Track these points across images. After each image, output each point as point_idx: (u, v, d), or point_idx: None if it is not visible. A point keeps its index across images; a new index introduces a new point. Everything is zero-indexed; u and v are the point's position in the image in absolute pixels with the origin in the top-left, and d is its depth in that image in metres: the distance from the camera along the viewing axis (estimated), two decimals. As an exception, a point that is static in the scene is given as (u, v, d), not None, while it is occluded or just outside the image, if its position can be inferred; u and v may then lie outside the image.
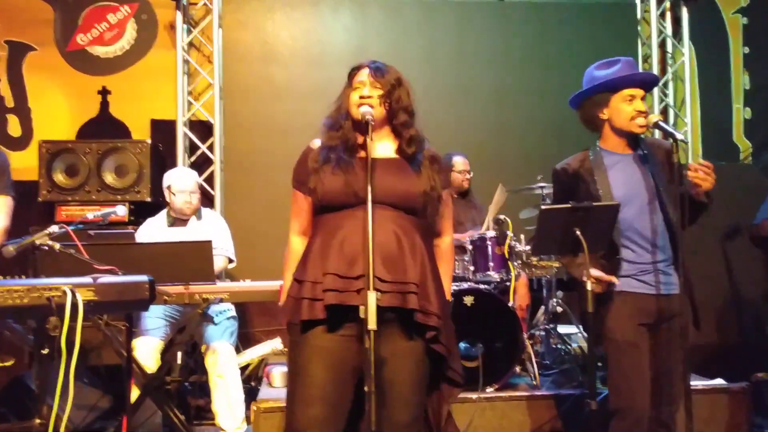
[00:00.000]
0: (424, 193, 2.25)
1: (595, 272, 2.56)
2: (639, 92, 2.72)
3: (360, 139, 2.29)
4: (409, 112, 2.33)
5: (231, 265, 4.28)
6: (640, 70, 5.53)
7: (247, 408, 3.85)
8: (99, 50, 5.53)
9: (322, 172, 2.24)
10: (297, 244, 2.36)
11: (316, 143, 2.36)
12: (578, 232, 2.42)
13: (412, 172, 2.28)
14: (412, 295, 2.12)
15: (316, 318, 2.14)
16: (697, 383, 3.84)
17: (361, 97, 2.25)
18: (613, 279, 2.59)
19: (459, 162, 4.76)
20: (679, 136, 2.53)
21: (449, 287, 2.43)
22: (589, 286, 2.40)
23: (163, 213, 4.24)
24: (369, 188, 2.07)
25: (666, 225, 2.69)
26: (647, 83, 2.82)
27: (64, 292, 2.16)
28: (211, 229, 4.17)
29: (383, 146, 2.31)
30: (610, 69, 2.76)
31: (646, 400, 2.64)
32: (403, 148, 2.30)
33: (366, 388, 1.96)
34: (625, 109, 2.70)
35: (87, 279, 2.27)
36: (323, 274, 2.14)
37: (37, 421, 2.27)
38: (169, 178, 4.21)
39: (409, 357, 2.18)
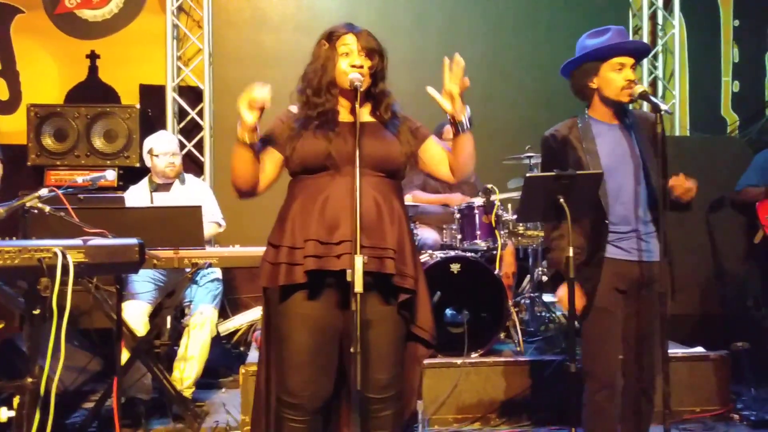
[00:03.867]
0: (404, 155, 2.30)
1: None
2: (629, 61, 2.71)
3: (343, 105, 2.30)
4: (385, 79, 2.34)
5: (220, 230, 4.31)
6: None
7: (236, 372, 3.91)
8: (87, 14, 5.48)
9: (303, 136, 2.24)
10: None
11: (293, 108, 2.35)
12: (562, 200, 2.46)
13: (392, 136, 2.31)
14: (390, 260, 2.16)
15: (294, 283, 2.15)
16: (678, 351, 3.93)
17: (353, 66, 2.24)
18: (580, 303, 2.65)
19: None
20: (664, 107, 2.55)
21: None
22: (570, 253, 2.44)
23: (145, 180, 4.26)
24: (357, 153, 2.08)
25: (649, 195, 2.73)
26: (638, 52, 2.81)
27: (55, 254, 2.18)
28: (196, 193, 4.20)
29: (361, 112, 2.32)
30: (601, 38, 2.76)
31: (616, 365, 2.71)
32: (381, 114, 2.32)
33: (351, 350, 2.00)
34: (614, 77, 2.71)
35: (77, 241, 2.28)
36: (304, 240, 2.15)
37: (29, 380, 2.30)
38: (150, 141, 4.23)
39: (387, 319, 2.23)
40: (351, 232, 2.06)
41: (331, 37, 2.30)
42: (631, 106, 2.88)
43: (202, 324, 3.89)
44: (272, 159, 2.30)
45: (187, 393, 3.84)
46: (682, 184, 2.63)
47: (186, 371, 3.85)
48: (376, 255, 2.14)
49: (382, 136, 2.29)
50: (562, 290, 2.67)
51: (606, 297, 2.68)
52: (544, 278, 4.50)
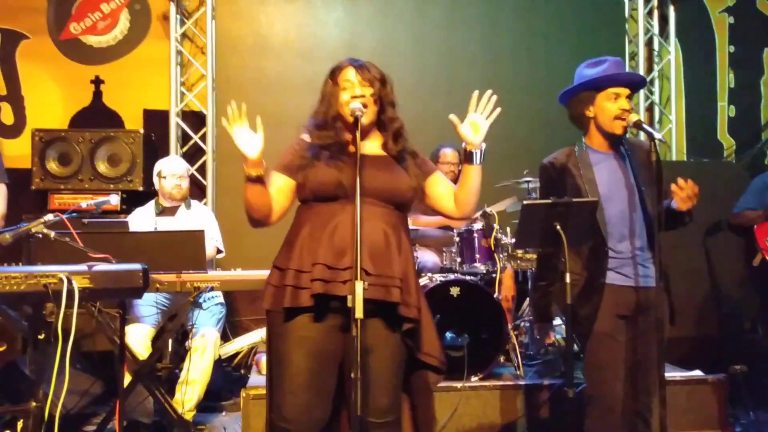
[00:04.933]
0: (412, 189, 2.35)
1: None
2: (624, 91, 2.77)
3: (349, 137, 2.36)
4: (394, 105, 2.40)
5: (219, 256, 4.35)
6: (628, 70, 5.66)
7: (237, 395, 3.92)
8: (92, 39, 5.56)
9: (316, 165, 2.30)
10: None
11: (306, 137, 2.42)
12: (558, 227, 2.50)
13: (400, 169, 2.37)
14: (396, 289, 2.20)
15: (298, 306, 2.19)
16: (675, 374, 3.94)
17: (354, 97, 2.30)
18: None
19: (448, 153, 4.80)
20: (658, 136, 2.61)
21: None
22: (567, 279, 2.48)
23: (152, 203, 4.31)
24: (357, 183, 2.13)
25: (645, 222, 2.78)
26: (633, 83, 2.86)
27: (61, 279, 2.22)
28: (200, 218, 4.24)
29: (371, 144, 2.39)
30: (598, 68, 2.83)
31: (619, 390, 2.72)
32: (390, 145, 2.38)
33: (352, 375, 2.03)
34: (608, 107, 2.76)
35: (82, 267, 2.33)
36: (312, 263, 2.19)
37: (33, 404, 2.33)
38: (159, 164, 4.33)
39: (388, 345, 2.26)
40: (362, 259, 2.11)
41: (334, 74, 2.38)
42: (628, 134, 2.93)
43: (204, 347, 3.91)
44: (285, 186, 2.36)
45: (189, 416, 3.85)
46: (685, 189, 2.61)
47: (188, 394, 3.87)
48: (382, 283, 2.18)
49: (391, 169, 2.35)
50: (544, 327, 2.73)
51: (608, 323, 2.71)
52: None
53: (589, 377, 2.78)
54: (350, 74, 2.35)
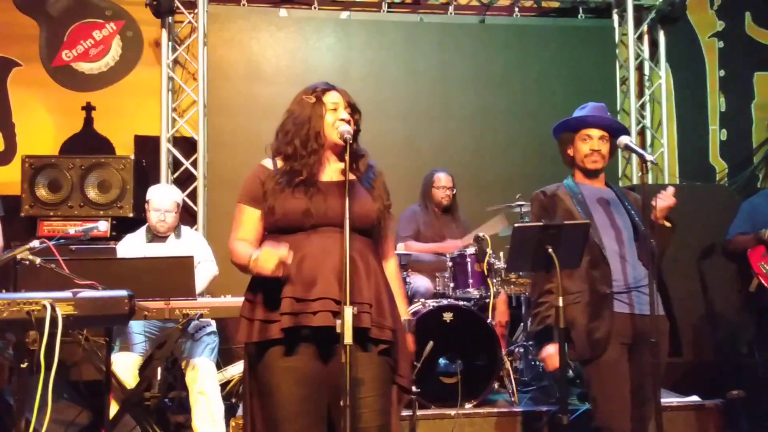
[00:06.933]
0: (378, 211, 2.33)
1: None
2: (596, 133, 2.92)
3: (320, 161, 2.31)
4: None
5: (216, 273, 4.29)
6: (618, 99, 5.92)
7: (227, 425, 3.86)
8: (84, 66, 5.57)
9: (283, 193, 2.25)
10: (244, 245, 2.30)
11: (268, 162, 2.37)
12: (550, 250, 2.48)
13: (366, 192, 2.33)
14: (366, 315, 2.17)
15: (268, 339, 2.17)
16: (672, 400, 3.89)
17: (342, 120, 2.29)
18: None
19: (441, 178, 4.81)
20: (649, 158, 2.61)
21: (405, 307, 2.50)
22: (560, 303, 2.45)
23: (142, 229, 4.26)
24: (347, 209, 2.11)
25: (639, 248, 2.78)
26: (604, 126, 2.95)
27: (44, 306, 2.17)
28: (192, 247, 4.18)
29: (331, 170, 2.35)
30: (581, 112, 3.00)
31: (627, 420, 2.69)
32: (357, 167, 2.35)
33: (341, 403, 1.99)
34: (581, 147, 2.93)
35: (67, 293, 2.29)
36: (280, 297, 2.16)
37: (15, 434, 2.27)
38: (150, 193, 4.23)
39: (370, 365, 2.22)
40: (328, 289, 2.12)
41: (315, 93, 2.35)
42: (620, 155, 2.99)
43: (207, 380, 3.85)
44: (255, 217, 2.33)
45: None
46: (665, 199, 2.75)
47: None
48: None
49: (357, 195, 2.29)
50: (550, 349, 2.69)
51: (614, 351, 2.69)
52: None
53: (600, 409, 2.73)
54: (336, 96, 2.34)
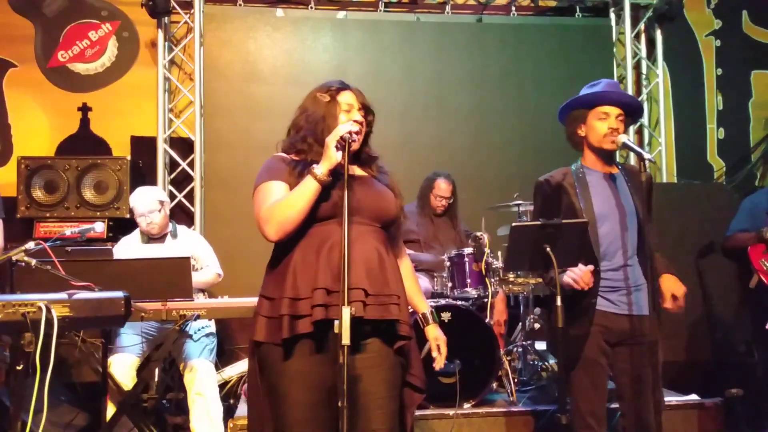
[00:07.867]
0: (399, 207, 2.33)
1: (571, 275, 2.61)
2: (614, 111, 2.76)
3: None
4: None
5: (219, 280, 4.27)
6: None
7: (225, 426, 3.84)
8: (80, 67, 5.55)
9: None
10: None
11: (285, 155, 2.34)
12: (548, 249, 2.47)
13: (386, 189, 2.34)
14: (395, 306, 2.16)
15: (297, 334, 2.09)
16: (671, 399, 3.89)
17: (355, 121, 2.25)
18: (584, 285, 2.61)
19: (441, 186, 4.72)
20: (647, 156, 2.58)
21: (425, 302, 2.49)
22: (558, 302, 2.43)
23: (137, 231, 4.24)
24: (345, 203, 2.07)
25: (639, 244, 2.74)
26: (623, 104, 2.81)
27: (39, 308, 2.16)
28: (190, 246, 4.17)
29: (354, 165, 2.33)
30: (593, 88, 2.84)
31: (602, 414, 2.70)
32: (370, 169, 2.36)
33: (339, 404, 1.96)
34: (597, 125, 2.77)
35: (62, 295, 2.27)
36: (312, 289, 2.10)
37: (11, 437, 2.26)
38: (131, 201, 4.18)
39: (384, 366, 2.19)
40: (359, 279, 2.08)
41: (329, 91, 2.32)
42: (618, 157, 2.92)
43: (205, 381, 3.83)
44: (284, 189, 2.23)
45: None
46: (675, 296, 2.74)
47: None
48: (381, 302, 2.14)
49: (379, 189, 2.31)
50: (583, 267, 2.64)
51: (593, 348, 2.68)
52: (536, 326, 4.47)
53: (572, 403, 2.71)
54: (351, 97, 2.32)
